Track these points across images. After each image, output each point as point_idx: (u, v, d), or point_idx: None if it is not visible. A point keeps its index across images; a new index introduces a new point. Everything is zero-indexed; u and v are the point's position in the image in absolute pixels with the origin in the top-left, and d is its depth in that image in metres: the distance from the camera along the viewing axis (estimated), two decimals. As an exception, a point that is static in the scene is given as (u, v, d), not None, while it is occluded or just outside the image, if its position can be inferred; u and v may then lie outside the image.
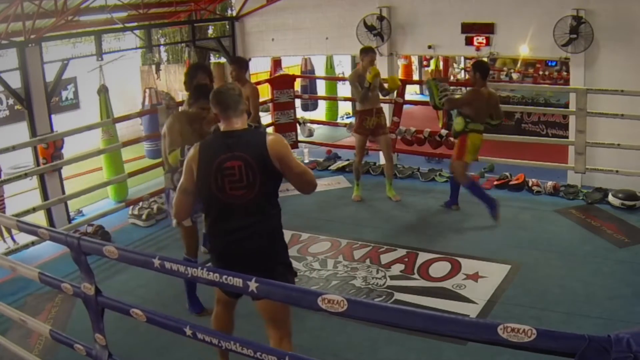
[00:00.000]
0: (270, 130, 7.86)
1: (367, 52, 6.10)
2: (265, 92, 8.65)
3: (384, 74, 8.60)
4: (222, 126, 2.85)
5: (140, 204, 6.36)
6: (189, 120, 3.89)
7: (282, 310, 2.80)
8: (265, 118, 9.34)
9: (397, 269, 4.74)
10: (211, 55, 11.35)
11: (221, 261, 2.84)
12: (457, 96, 5.83)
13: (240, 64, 5.90)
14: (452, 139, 5.99)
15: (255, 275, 2.61)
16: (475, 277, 4.51)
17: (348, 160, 7.99)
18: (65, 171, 6.99)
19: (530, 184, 6.49)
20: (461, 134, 5.52)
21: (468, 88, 5.79)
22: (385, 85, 6.23)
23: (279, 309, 2.76)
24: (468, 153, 5.52)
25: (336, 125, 10.30)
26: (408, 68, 15.70)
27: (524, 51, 7.27)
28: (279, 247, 2.88)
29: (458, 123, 5.55)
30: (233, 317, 3.19)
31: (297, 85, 9.20)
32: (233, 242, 2.76)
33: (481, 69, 5.49)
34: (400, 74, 7.80)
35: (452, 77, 15.22)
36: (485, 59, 6.85)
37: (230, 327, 3.18)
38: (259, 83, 9.00)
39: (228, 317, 3.16)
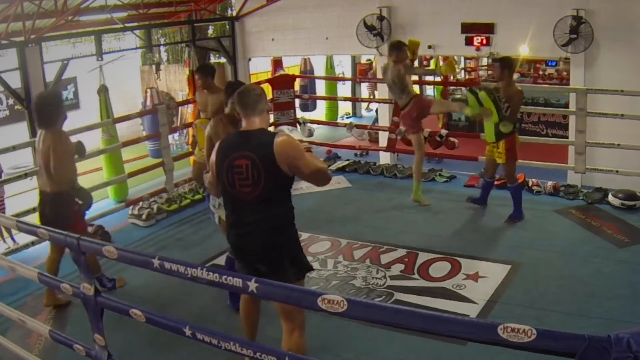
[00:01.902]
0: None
1: (401, 47, 5.85)
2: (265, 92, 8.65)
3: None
4: (243, 124, 2.98)
5: (140, 204, 6.36)
6: (230, 120, 3.95)
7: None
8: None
9: (397, 269, 4.73)
10: (211, 55, 11.35)
11: (234, 251, 3.06)
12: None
13: (205, 71, 5.57)
14: (492, 142, 5.46)
15: (263, 266, 2.81)
16: (475, 277, 4.50)
17: (348, 160, 7.99)
18: (65, 171, 6.97)
19: (530, 184, 6.48)
20: (508, 136, 5.32)
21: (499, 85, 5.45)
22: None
23: None
24: (518, 151, 5.43)
25: (336, 125, 10.30)
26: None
27: (524, 51, 7.27)
28: (284, 242, 2.93)
29: (507, 125, 5.27)
30: (259, 303, 3.28)
31: (296, 85, 9.18)
32: (242, 235, 2.92)
33: (510, 66, 5.33)
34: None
35: (451, 77, 15.20)
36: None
37: (256, 313, 3.30)
38: (259, 83, 9.02)
39: (253, 303, 3.26)
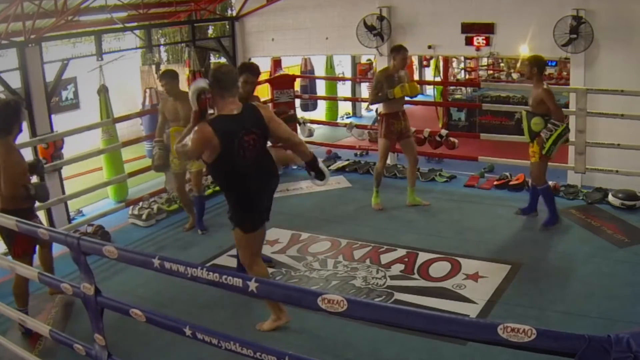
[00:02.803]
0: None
1: (399, 51, 5.73)
2: (265, 92, 8.66)
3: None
4: (222, 105, 3.40)
5: (140, 204, 6.36)
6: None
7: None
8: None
9: (397, 269, 4.73)
10: (211, 55, 11.36)
11: (257, 196, 3.59)
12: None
13: (175, 76, 5.43)
14: (531, 143, 5.26)
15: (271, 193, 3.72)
16: (475, 277, 4.50)
17: (348, 160, 7.99)
18: (65, 171, 6.99)
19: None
20: (539, 134, 5.14)
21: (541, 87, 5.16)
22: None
23: None
24: (548, 145, 5.16)
25: (336, 125, 10.30)
26: (408, 68, 15.74)
27: (524, 51, 7.27)
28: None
29: (537, 123, 5.11)
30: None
31: (297, 85, 9.19)
32: (257, 179, 3.54)
33: (539, 64, 5.13)
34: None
35: (452, 77, 15.23)
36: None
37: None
38: (259, 83, 9.01)
39: (261, 244, 3.89)
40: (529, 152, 5.37)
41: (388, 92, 5.69)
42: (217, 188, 6.85)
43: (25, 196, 3.96)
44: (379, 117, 6.15)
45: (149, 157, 8.85)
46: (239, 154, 3.37)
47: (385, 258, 4.93)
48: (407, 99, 6.11)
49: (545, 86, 5.14)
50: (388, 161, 8.04)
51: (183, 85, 10.98)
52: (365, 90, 15.52)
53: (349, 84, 15.44)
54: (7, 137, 3.91)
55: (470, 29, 7.60)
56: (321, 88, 14.07)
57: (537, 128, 5.16)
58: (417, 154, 6.21)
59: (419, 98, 6.19)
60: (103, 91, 8.04)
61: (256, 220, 3.66)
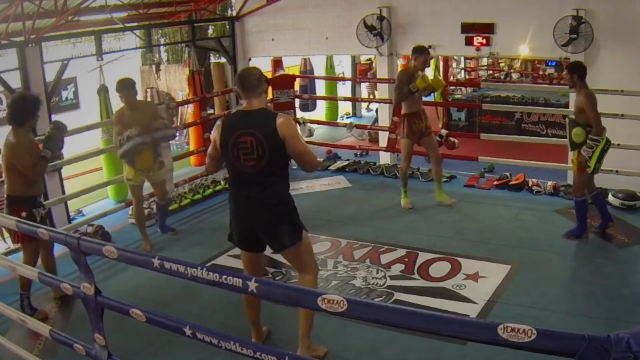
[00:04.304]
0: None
1: (422, 52, 5.70)
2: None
3: (384, 74, 8.64)
4: (243, 104, 3.30)
5: (140, 204, 6.35)
6: None
7: (307, 253, 3.38)
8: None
9: (397, 269, 4.73)
10: (211, 55, 11.37)
11: (237, 218, 3.30)
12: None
13: (130, 85, 5.15)
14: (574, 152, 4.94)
15: (263, 230, 3.23)
16: (475, 277, 4.50)
17: (348, 160, 7.99)
18: (65, 171, 6.99)
19: (530, 184, 6.48)
20: (582, 146, 4.80)
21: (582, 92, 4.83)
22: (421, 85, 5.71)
23: (303, 253, 3.33)
24: (593, 163, 4.81)
25: (336, 125, 10.30)
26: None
27: (524, 51, 7.28)
28: (283, 210, 3.27)
29: (578, 134, 4.79)
30: (262, 268, 3.73)
31: (296, 85, 9.19)
32: (245, 203, 3.24)
33: (578, 70, 4.83)
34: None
35: (452, 77, 15.24)
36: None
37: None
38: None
39: (259, 271, 3.57)
40: (570, 160, 5.12)
41: (411, 86, 5.65)
42: (217, 188, 6.89)
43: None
44: (398, 118, 6.11)
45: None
46: (232, 152, 3.15)
47: (385, 258, 4.93)
48: (424, 98, 6.12)
49: (587, 92, 4.79)
50: (388, 161, 8.08)
51: (183, 86, 11.00)
52: (365, 90, 15.54)
53: (349, 84, 15.45)
54: (18, 129, 3.97)
55: (470, 29, 7.60)
56: (321, 88, 14.08)
57: (578, 139, 4.87)
58: (439, 152, 6.14)
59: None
60: (103, 91, 8.05)
61: (233, 234, 3.38)
